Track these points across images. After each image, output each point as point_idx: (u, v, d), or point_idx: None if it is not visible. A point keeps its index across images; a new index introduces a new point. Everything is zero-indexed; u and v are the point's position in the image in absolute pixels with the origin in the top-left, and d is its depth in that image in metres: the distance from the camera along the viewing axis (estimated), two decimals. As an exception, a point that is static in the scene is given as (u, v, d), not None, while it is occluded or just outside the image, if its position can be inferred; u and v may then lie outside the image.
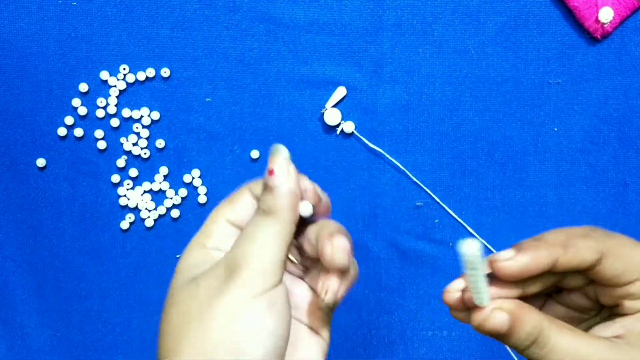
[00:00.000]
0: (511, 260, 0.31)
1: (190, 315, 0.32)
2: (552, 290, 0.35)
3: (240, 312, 0.31)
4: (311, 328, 0.36)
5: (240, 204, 0.36)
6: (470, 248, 0.29)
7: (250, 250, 0.32)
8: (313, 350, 0.35)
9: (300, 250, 0.36)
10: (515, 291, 0.32)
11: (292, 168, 0.34)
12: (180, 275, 0.35)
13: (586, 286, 0.34)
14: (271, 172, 0.34)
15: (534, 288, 0.33)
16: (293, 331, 0.34)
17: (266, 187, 0.34)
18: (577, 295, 0.35)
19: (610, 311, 0.34)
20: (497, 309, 0.31)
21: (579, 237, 0.32)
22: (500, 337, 0.31)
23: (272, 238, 0.33)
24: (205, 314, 0.32)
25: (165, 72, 0.54)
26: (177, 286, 0.34)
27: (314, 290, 0.36)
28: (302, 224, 0.35)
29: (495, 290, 0.32)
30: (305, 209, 0.35)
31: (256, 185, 0.36)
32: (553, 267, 0.31)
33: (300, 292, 0.37)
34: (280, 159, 0.34)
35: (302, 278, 0.37)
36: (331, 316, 0.37)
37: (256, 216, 0.34)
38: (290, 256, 0.37)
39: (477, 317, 0.31)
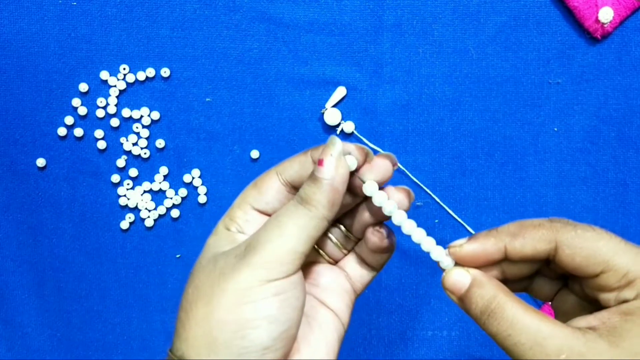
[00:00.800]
0: (460, 247, 0.33)
1: (202, 291, 0.32)
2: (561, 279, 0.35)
3: (247, 295, 0.31)
4: (334, 312, 0.36)
5: (266, 189, 0.35)
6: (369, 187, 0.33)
7: (272, 236, 0.32)
8: (331, 333, 0.35)
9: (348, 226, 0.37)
10: (494, 272, 0.34)
11: (342, 164, 0.33)
12: (204, 254, 0.35)
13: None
14: (320, 163, 0.33)
15: (512, 272, 0.34)
16: (315, 312, 0.35)
17: (311, 176, 0.33)
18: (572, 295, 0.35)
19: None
20: (461, 269, 0.33)
21: (530, 227, 0.32)
22: (461, 302, 0.33)
23: (299, 230, 0.32)
24: (215, 291, 0.32)
25: (165, 72, 0.54)
26: (198, 263, 0.35)
27: (347, 273, 0.37)
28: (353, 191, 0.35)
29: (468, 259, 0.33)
30: (350, 163, 0.34)
31: (284, 168, 0.35)
32: (507, 255, 0.32)
33: (332, 274, 0.37)
34: (334, 151, 0.33)
35: (337, 261, 0.38)
36: (354, 302, 0.37)
37: (291, 202, 0.33)
38: (333, 237, 0.37)
39: (444, 275, 0.33)
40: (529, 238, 0.32)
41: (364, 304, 0.55)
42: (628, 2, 0.53)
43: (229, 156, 0.55)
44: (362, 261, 0.37)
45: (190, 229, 0.55)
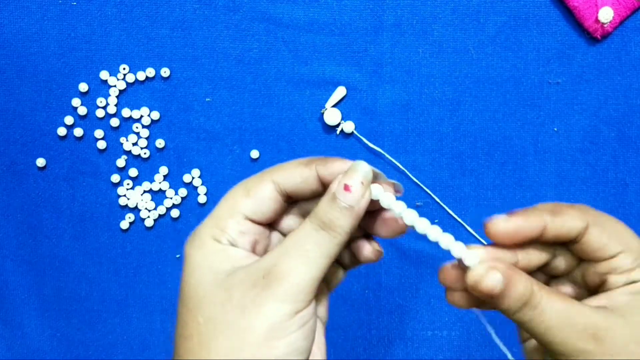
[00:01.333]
0: (503, 221, 0.33)
1: (221, 325, 0.31)
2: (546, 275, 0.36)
3: (277, 330, 0.30)
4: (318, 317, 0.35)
5: (261, 199, 0.33)
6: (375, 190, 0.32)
7: (296, 265, 0.31)
8: (319, 334, 0.35)
9: None
10: (509, 260, 0.34)
11: (368, 193, 0.32)
12: (200, 273, 0.32)
13: (574, 269, 0.35)
14: (346, 188, 0.32)
15: (527, 260, 0.34)
16: None
17: (333, 199, 0.32)
18: (566, 283, 0.36)
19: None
20: (493, 269, 0.32)
21: (566, 206, 0.33)
22: (493, 299, 0.32)
23: (322, 258, 0.31)
24: (240, 327, 0.30)
25: (165, 72, 0.54)
26: (198, 287, 0.32)
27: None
28: None
29: (490, 254, 0.33)
30: (376, 192, 0.33)
31: (282, 177, 0.34)
32: (543, 234, 0.33)
33: None
34: (361, 177, 0.32)
35: None
36: (329, 298, 0.37)
37: (311, 226, 0.32)
38: None
39: (473, 275, 0.32)
40: (568, 216, 0.33)
41: (364, 304, 0.55)
42: (628, 2, 0.53)
43: (229, 156, 0.55)
44: (340, 263, 0.36)
45: (190, 229, 0.55)
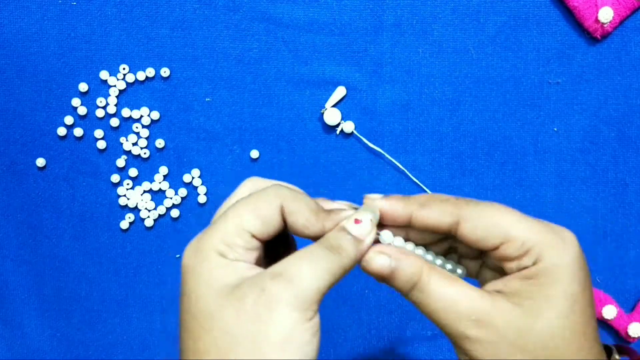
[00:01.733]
0: (378, 199, 0.36)
1: (238, 336, 0.32)
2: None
3: (292, 338, 0.32)
4: None
5: (268, 220, 0.35)
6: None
7: (307, 277, 0.32)
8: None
9: None
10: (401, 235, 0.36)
11: (374, 232, 0.35)
12: (206, 286, 0.33)
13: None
14: (357, 221, 0.35)
15: (415, 238, 0.37)
16: None
17: (343, 229, 0.34)
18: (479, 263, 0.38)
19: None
20: (381, 253, 0.34)
21: (438, 201, 0.35)
22: (385, 280, 0.35)
23: (329, 275, 0.33)
24: (257, 335, 0.31)
25: (165, 71, 0.54)
26: (208, 300, 0.33)
27: None
28: None
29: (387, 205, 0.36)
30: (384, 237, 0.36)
31: (289, 204, 0.35)
32: (412, 223, 0.35)
33: None
34: (371, 217, 0.35)
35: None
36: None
37: (319, 246, 0.34)
38: None
39: (364, 259, 0.35)
40: (435, 210, 0.35)
41: (364, 304, 0.55)
42: (628, 2, 0.53)
43: (229, 156, 0.55)
44: None
45: (190, 229, 0.55)
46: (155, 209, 0.55)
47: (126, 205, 0.55)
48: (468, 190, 0.55)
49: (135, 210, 0.55)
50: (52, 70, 0.54)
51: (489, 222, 0.34)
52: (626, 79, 0.54)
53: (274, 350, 0.31)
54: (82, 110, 0.54)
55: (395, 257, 0.34)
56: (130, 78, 0.54)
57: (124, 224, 0.55)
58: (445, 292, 0.33)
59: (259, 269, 0.34)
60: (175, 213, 0.55)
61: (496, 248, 0.34)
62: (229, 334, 0.32)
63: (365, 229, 0.35)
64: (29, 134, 0.54)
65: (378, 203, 0.35)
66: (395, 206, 0.35)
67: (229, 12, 0.54)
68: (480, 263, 0.38)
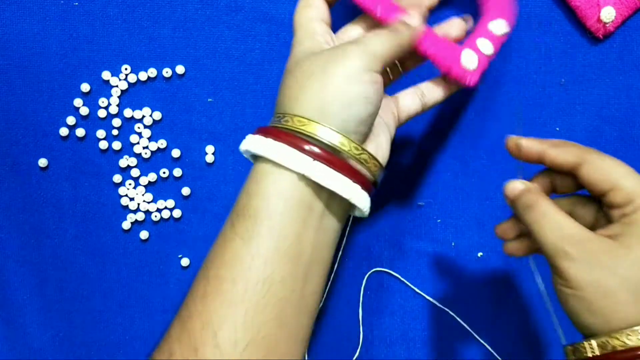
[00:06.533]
0: (516, 137, 0.43)
1: (313, 74, 0.41)
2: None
3: (354, 78, 0.41)
4: (386, 123, 0.46)
5: (319, 6, 0.46)
6: None
7: (371, 40, 0.43)
8: (385, 132, 0.45)
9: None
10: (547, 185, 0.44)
11: (422, 23, 0.45)
12: (299, 54, 0.43)
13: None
14: (409, 14, 0.45)
15: (560, 185, 0.43)
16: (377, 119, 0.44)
17: (400, 20, 0.45)
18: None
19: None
20: (518, 182, 0.43)
21: (569, 144, 0.42)
22: (513, 202, 0.42)
23: (389, 43, 0.43)
24: (326, 73, 0.41)
25: (167, 72, 0.54)
26: (298, 58, 0.43)
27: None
28: None
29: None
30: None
31: None
32: (542, 159, 0.42)
33: (387, 102, 0.47)
34: (419, 11, 0.46)
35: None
36: (396, 129, 0.47)
37: (384, 29, 0.44)
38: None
39: (506, 184, 0.43)
40: (564, 149, 0.41)
41: (364, 304, 0.55)
42: (630, 2, 0.53)
43: (231, 156, 0.55)
44: (419, 98, 0.48)
45: (192, 229, 0.55)
46: (157, 209, 0.55)
47: (128, 206, 0.55)
48: (470, 190, 0.55)
49: (137, 210, 0.55)
50: (54, 70, 0.54)
51: (605, 169, 0.40)
52: (628, 79, 0.54)
53: (340, 82, 0.40)
54: (84, 111, 0.54)
55: (527, 185, 0.43)
56: (132, 78, 0.54)
57: (126, 224, 0.55)
58: (556, 216, 0.39)
59: None
60: (177, 213, 0.55)
61: (606, 193, 0.39)
62: (307, 72, 0.41)
63: (416, 19, 0.45)
64: (31, 135, 0.54)
65: (518, 139, 0.44)
66: (531, 142, 0.43)
67: (231, 12, 0.54)
68: (595, 216, 0.43)
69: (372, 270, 0.55)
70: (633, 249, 0.38)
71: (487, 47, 0.47)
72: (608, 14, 0.52)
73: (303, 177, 0.40)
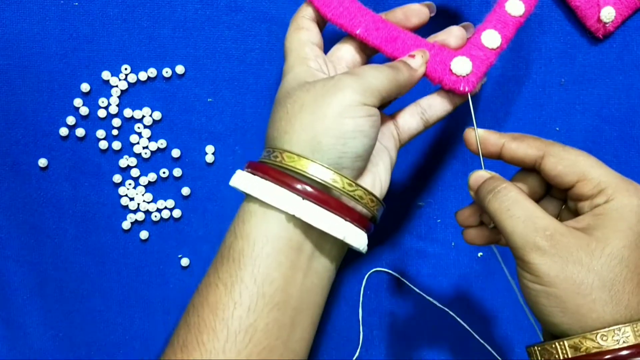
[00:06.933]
0: (473, 130, 0.42)
1: (304, 105, 0.39)
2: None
3: (348, 111, 0.39)
4: (386, 148, 0.45)
5: (311, 28, 0.45)
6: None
7: (369, 74, 0.41)
8: (384, 160, 0.44)
9: None
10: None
11: (424, 67, 0.44)
12: (291, 82, 0.42)
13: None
14: (411, 56, 0.44)
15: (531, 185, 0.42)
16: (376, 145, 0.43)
17: (401, 60, 0.43)
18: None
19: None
20: (483, 171, 0.42)
21: (529, 137, 0.40)
22: (475, 193, 0.41)
23: (388, 80, 0.41)
24: (319, 104, 0.39)
25: (167, 72, 0.54)
26: (289, 87, 0.41)
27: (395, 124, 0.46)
28: None
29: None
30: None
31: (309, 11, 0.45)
32: (502, 152, 0.41)
33: (384, 122, 0.45)
34: (423, 54, 0.44)
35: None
36: (398, 151, 0.46)
37: (384, 65, 0.42)
38: None
39: (470, 174, 0.42)
40: (525, 142, 0.40)
41: (364, 304, 0.55)
42: (630, 2, 0.53)
43: (231, 157, 0.55)
44: (420, 116, 0.46)
45: (192, 229, 0.55)
46: (157, 209, 0.55)
47: (128, 206, 0.55)
48: (470, 190, 0.55)
49: (137, 210, 0.55)
50: (54, 70, 0.54)
51: (570, 160, 0.38)
52: (628, 79, 0.54)
53: (334, 115, 0.39)
54: (84, 111, 0.54)
55: (490, 174, 0.41)
56: (132, 78, 0.54)
57: (126, 224, 0.55)
58: (527, 204, 0.37)
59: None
60: (177, 213, 0.55)
61: (572, 186, 0.38)
62: (298, 103, 0.40)
63: (418, 62, 0.43)
64: (31, 134, 0.54)
65: (478, 131, 0.42)
66: (490, 135, 0.41)
67: (231, 12, 0.54)
68: (560, 207, 0.42)
69: (372, 270, 0.55)
70: (608, 242, 0.35)
71: (492, 41, 0.45)
72: (608, 14, 0.52)
73: (292, 217, 0.39)
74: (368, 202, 0.41)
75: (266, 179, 0.39)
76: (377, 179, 0.43)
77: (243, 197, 0.43)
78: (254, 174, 0.40)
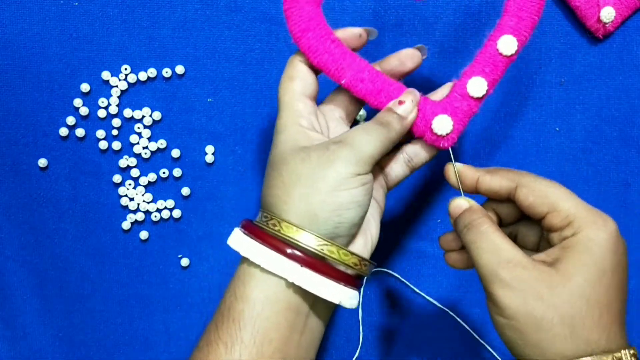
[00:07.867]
0: (454, 164, 0.44)
1: (300, 178, 0.40)
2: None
3: (343, 184, 0.40)
4: (375, 199, 0.45)
5: (305, 77, 0.44)
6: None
7: (361, 142, 0.41)
8: (375, 215, 0.45)
9: None
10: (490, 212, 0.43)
11: (415, 111, 0.43)
12: (285, 145, 0.42)
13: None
14: (401, 103, 0.43)
15: (502, 211, 0.44)
16: None
17: (390, 109, 0.43)
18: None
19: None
20: (462, 199, 0.43)
21: (502, 170, 0.42)
22: (456, 219, 0.42)
23: (379, 141, 0.41)
24: (315, 177, 0.40)
25: (166, 72, 0.54)
26: (283, 150, 0.42)
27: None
28: None
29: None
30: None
31: (303, 58, 0.44)
32: (477, 186, 0.42)
33: (375, 179, 0.45)
34: (413, 98, 0.43)
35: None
36: (386, 196, 0.47)
37: (372, 122, 0.42)
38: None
39: (451, 201, 0.43)
40: (498, 175, 0.42)
41: (364, 304, 0.55)
42: (630, 2, 0.53)
43: (231, 157, 0.55)
44: (406, 163, 0.46)
45: (192, 229, 0.55)
46: (157, 209, 0.55)
47: (128, 206, 0.55)
48: (470, 190, 0.55)
49: (137, 210, 0.55)
50: (54, 70, 0.54)
51: (542, 191, 0.39)
52: (628, 79, 0.54)
53: (329, 189, 0.39)
54: (84, 111, 0.54)
55: (471, 204, 0.42)
56: (132, 78, 0.54)
57: (126, 225, 0.55)
58: (494, 237, 0.38)
59: (326, 139, 0.42)
60: (177, 213, 0.55)
61: (544, 217, 0.39)
62: (294, 174, 0.40)
63: (408, 108, 0.43)
64: (31, 135, 0.54)
65: (456, 165, 0.43)
66: (467, 170, 0.43)
67: (231, 12, 0.54)
68: (539, 237, 0.42)
69: (372, 271, 0.55)
70: (571, 277, 0.36)
71: (478, 90, 0.44)
72: (608, 14, 0.52)
73: (291, 283, 0.40)
74: (362, 267, 0.42)
75: (266, 246, 0.40)
76: (369, 237, 0.44)
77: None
78: (254, 239, 0.41)
